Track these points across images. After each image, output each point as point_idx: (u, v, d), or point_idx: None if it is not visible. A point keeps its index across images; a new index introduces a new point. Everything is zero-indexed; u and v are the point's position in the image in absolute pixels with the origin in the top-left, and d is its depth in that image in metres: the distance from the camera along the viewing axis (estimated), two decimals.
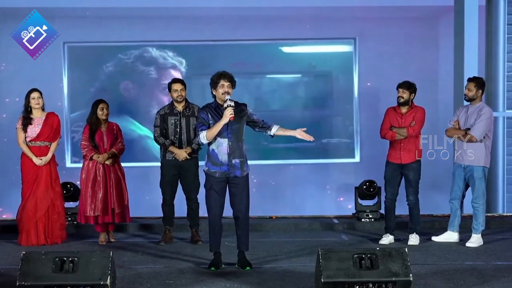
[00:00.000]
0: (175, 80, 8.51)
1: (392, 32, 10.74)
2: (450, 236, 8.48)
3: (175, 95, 8.40)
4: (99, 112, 8.45)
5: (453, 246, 8.25)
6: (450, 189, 8.48)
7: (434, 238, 8.54)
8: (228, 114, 6.79)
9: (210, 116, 6.95)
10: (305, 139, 7.06)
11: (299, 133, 7.06)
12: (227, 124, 6.87)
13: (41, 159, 8.36)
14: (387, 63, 10.66)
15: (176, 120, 8.43)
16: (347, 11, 10.89)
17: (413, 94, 8.30)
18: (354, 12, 10.88)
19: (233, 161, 6.95)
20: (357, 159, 11.22)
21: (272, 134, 7.12)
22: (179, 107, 8.44)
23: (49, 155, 8.42)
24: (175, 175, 8.49)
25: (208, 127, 6.92)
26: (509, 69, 10.70)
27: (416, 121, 8.25)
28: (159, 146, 8.58)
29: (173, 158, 8.42)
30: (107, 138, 8.50)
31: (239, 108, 7.00)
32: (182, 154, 8.37)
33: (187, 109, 8.46)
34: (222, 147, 6.94)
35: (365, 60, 11.03)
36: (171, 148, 8.40)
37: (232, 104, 6.85)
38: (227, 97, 6.88)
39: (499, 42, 10.67)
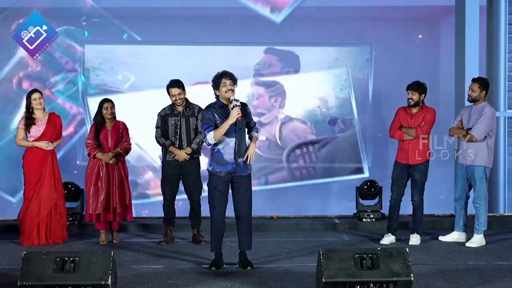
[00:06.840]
0: (172, 85, 8.36)
1: (392, 32, 10.70)
2: (457, 236, 8.46)
3: (173, 99, 8.38)
4: (104, 111, 8.50)
5: (454, 246, 8.25)
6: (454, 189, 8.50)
7: (441, 238, 8.52)
8: (235, 114, 6.79)
9: (216, 116, 6.93)
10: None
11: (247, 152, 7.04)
12: (235, 124, 6.86)
13: (47, 144, 8.34)
14: (387, 64, 10.62)
15: (176, 121, 8.42)
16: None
17: (423, 95, 8.25)
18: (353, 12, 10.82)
19: (239, 160, 6.96)
20: None
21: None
22: (179, 108, 8.43)
23: (55, 144, 8.44)
24: (176, 176, 8.49)
25: (216, 127, 6.90)
26: (510, 69, 10.67)
27: (426, 122, 8.23)
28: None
29: (174, 159, 8.42)
30: (112, 137, 8.52)
31: (244, 107, 7.00)
32: (182, 154, 8.36)
33: (187, 109, 8.45)
34: (228, 146, 6.94)
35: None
36: (171, 149, 8.39)
37: (238, 103, 6.86)
38: (232, 96, 6.89)
39: (500, 42, 10.66)
